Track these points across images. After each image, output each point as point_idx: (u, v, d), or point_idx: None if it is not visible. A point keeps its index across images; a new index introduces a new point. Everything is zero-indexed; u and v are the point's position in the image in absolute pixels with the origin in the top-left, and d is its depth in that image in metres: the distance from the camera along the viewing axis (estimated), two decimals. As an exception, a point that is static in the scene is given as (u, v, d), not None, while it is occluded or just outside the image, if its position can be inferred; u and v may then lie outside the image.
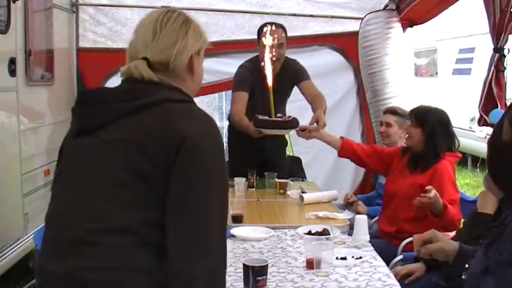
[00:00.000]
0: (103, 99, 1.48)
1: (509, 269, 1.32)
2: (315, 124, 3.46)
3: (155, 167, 1.33)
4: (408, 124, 3.20)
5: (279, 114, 3.57)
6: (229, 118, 4.17)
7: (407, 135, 3.22)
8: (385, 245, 3.00)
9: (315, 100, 3.69)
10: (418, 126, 3.11)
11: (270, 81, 3.45)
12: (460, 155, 3.22)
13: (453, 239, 2.60)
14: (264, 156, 3.89)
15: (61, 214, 1.41)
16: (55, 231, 1.41)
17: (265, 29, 3.66)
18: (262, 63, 3.60)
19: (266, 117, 3.48)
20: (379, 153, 3.48)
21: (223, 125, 9.77)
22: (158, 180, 1.33)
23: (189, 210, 1.33)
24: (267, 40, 3.54)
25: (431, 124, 3.09)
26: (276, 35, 3.63)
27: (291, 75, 3.82)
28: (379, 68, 4.72)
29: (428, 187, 2.82)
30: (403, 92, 4.75)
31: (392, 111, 3.77)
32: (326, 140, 3.56)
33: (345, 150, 3.50)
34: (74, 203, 1.39)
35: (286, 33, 3.78)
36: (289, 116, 3.54)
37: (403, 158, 3.27)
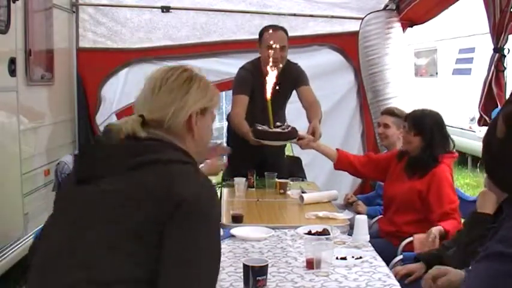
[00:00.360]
0: (105, 152, 1.46)
1: (484, 262, 1.32)
2: (310, 136, 3.45)
3: (153, 225, 1.33)
4: (405, 130, 3.18)
5: (278, 123, 3.55)
6: (229, 120, 4.16)
7: (404, 141, 3.22)
8: (385, 244, 3.00)
9: (311, 108, 3.68)
10: (417, 134, 3.10)
11: (269, 94, 3.42)
12: (457, 154, 3.22)
13: (453, 239, 2.61)
14: (263, 157, 3.88)
15: (50, 257, 1.38)
16: (42, 275, 1.38)
17: (266, 34, 3.67)
18: (268, 64, 3.61)
19: (265, 128, 3.46)
20: (374, 161, 3.48)
21: (223, 125, 9.78)
22: (155, 238, 1.33)
23: (183, 272, 1.33)
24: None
25: (430, 130, 3.08)
26: (277, 39, 3.63)
27: (292, 79, 3.81)
28: (380, 68, 4.71)
29: (431, 236, 2.79)
30: (404, 92, 4.76)
31: (390, 112, 3.77)
32: (322, 151, 3.53)
33: (342, 162, 3.49)
34: (64, 248, 1.36)
35: (287, 35, 3.78)
36: (288, 126, 3.51)
37: (400, 162, 3.26)
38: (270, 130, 3.45)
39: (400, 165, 3.25)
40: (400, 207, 3.13)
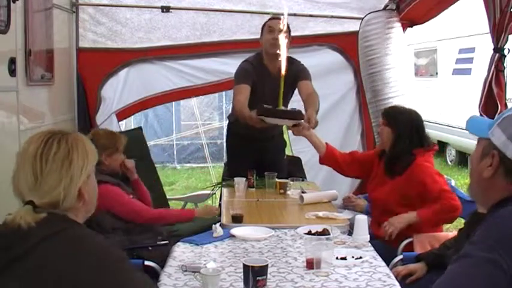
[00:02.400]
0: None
1: (455, 263, 1.37)
2: (305, 123, 3.40)
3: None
4: (380, 123, 3.22)
5: (282, 107, 3.54)
6: (230, 116, 4.14)
7: (379, 134, 3.23)
8: (381, 246, 3.00)
9: (309, 98, 3.64)
10: (387, 125, 3.14)
11: (283, 70, 3.36)
12: (436, 147, 3.22)
13: (455, 239, 2.60)
14: (263, 157, 3.88)
15: None
16: None
17: (267, 22, 3.71)
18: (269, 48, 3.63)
19: (270, 106, 3.41)
20: (358, 160, 3.48)
21: (223, 125, 9.78)
22: None
23: None
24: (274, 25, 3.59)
25: (401, 123, 3.12)
26: (278, 23, 3.63)
27: (293, 75, 3.81)
28: (380, 68, 4.71)
29: (385, 228, 2.96)
30: (404, 92, 4.75)
31: None
32: (313, 142, 3.51)
33: (328, 158, 3.49)
34: None
35: (289, 27, 3.76)
36: (294, 108, 3.49)
37: (380, 162, 3.27)
38: (276, 108, 3.39)
39: (381, 166, 3.25)
40: (386, 209, 3.13)
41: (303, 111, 3.49)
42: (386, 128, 3.15)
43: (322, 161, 3.53)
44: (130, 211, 3.06)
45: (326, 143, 3.53)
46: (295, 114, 3.40)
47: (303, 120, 3.38)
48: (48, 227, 1.39)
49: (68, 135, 1.50)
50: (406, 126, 3.11)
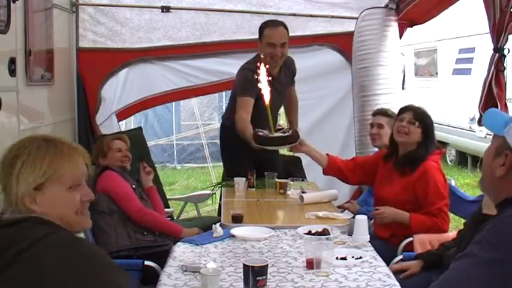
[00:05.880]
0: None
1: (460, 260, 1.38)
2: (302, 139, 3.45)
3: None
4: (406, 121, 3.18)
5: (278, 126, 3.53)
6: (225, 119, 4.13)
7: (403, 132, 3.19)
8: (382, 246, 3.00)
9: (291, 105, 3.95)
10: (419, 126, 3.12)
11: (267, 99, 3.35)
12: (444, 150, 3.26)
13: (454, 240, 2.60)
14: (258, 156, 3.86)
15: None
16: None
17: (266, 31, 3.66)
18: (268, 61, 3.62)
19: (266, 133, 3.40)
20: (361, 165, 3.47)
21: (223, 125, 9.77)
22: None
23: None
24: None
25: (429, 126, 3.14)
26: (278, 36, 3.63)
27: (291, 73, 3.85)
28: (370, 63, 4.64)
29: (379, 213, 3.08)
30: (393, 90, 4.69)
31: (383, 112, 3.77)
32: (313, 156, 3.50)
33: (331, 168, 3.48)
34: None
35: (287, 30, 3.76)
36: (289, 129, 3.48)
37: (387, 163, 3.26)
38: (271, 136, 3.38)
39: (388, 165, 3.24)
40: (396, 207, 3.11)
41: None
42: (416, 128, 3.13)
43: (326, 171, 3.52)
44: (124, 197, 3.20)
45: (327, 154, 3.52)
46: (291, 139, 3.40)
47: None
48: (29, 232, 1.36)
49: (25, 149, 1.44)
50: (431, 127, 3.15)
